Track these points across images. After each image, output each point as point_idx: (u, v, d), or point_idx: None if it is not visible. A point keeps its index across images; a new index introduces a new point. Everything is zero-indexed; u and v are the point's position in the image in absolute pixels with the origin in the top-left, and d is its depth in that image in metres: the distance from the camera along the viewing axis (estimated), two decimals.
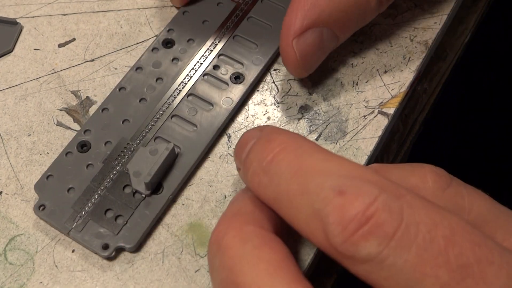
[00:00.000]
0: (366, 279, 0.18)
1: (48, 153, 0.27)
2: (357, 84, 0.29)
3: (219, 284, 0.19)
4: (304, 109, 0.29)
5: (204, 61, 0.29)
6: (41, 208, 0.25)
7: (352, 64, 0.30)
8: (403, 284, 0.17)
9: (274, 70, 0.30)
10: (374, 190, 0.17)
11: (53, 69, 0.30)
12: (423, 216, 0.17)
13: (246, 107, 0.29)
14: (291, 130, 0.28)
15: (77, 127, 0.28)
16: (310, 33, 0.25)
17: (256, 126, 0.28)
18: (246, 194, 0.22)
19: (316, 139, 0.28)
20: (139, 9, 0.32)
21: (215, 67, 0.29)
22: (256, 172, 0.20)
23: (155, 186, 0.26)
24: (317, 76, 0.29)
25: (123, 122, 0.27)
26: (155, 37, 0.30)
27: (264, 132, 0.21)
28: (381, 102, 0.29)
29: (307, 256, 0.25)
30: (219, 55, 0.29)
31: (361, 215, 0.17)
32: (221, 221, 0.20)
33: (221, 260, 0.19)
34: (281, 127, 0.28)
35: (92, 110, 0.28)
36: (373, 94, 0.29)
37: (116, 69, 0.30)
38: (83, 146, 0.27)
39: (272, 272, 0.18)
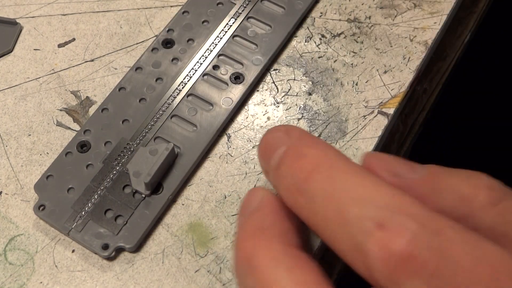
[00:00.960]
0: None
1: (48, 153, 0.27)
2: (357, 84, 0.29)
3: None
4: (304, 109, 0.29)
5: (204, 61, 0.29)
6: (41, 208, 0.25)
7: (352, 64, 0.30)
8: None
9: (274, 70, 0.30)
10: (415, 226, 0.17)
11: (53, 69, 0.30)
12: (464, 252, 0.17)
13: (246, 107, 0.29)
14: None
15: (77, 127, 0.28)
16: None
17: (256, 124, 0.28)
18: (264, 201, 0.21)
19: None
20: (139, 9, 0.32)
21: (215, 67, 0.29)
22: (290, 190, 0.20)
23: (155, 186, 0.26)
24: (317, 76, 0.29)
25: (123, 122, 0.27)
26: (155, 37, 0.30)
27: (293, 140, 0.21)
28: (381, 102, 0.29)
29: None
30: (219, 55, 0.29)
31: (402, 252, 0.17)
32: (244, 236, 0.20)
33: (255, 282, 0.19)
34: None
35: (92, 110, 0.28)
36: (373, 94, 0.29)
37: (116, 69, 0.30)
38: (83, 146, 0.27)
39: None
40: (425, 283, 0.17)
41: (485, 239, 0.18)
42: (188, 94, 0.28)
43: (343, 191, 0.19)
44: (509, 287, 0.17)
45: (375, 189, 0.19)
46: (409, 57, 0.30)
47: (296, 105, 0.29)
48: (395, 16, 0.31)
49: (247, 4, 0.31)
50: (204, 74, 0.29)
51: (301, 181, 0.20)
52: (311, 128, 0.28)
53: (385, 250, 0.17)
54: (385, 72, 0.30)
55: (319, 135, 0.28)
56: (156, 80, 0.29)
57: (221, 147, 0.28)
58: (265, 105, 0.29)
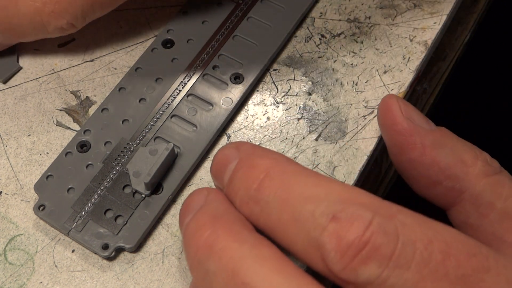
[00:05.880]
0: None
1: (48, 153, 0.27)
2: (356, 84, 0.29)
3: (223, 286, 0.19)
4: (303, 109, 0.29)
5: (204, 61, 0.29)
6: (41, 208, 0.25)
7: (352, 64, 0.30)
8: None
9: (274, 70, 0.30)
10: (368, 214, 0.18)
11: (53, 69, 0.30)
12: (418, 233, 0.18)
13: (245, 107, 0.29)
14: (290, 130, 0.28)
15: (77, 127, 0.28)
16: None
17: (256, 124, 0.28)
18: (212, 196, 0.21)
19: (316, 139, 0.28)
20: (139, 9, 0.32)
21: (215, 67, 0.29)
22: (244, 201, 0.20)
23: (155, 186, 0.26)
24: (317, 76, 0.29)
25: (123, 122, 0.27)
26: (155, 37, 0.30)
27: (243, 153, 0.21)
28: None
29: None
30: (219, 55, 0.29)
31: (357, 240, 0.17)
32: (199, 226, 0.19)
33: (218, 263, 0.18)
34: (280, 127, 0.28)
35: (92, 110, 0.29)
36: (373, 94, 0.29)
37: (115, 69, 0.30)
38: (83, 146, 0.27)
39: (279, 269, 0.18)
40: (381, 266, 0.17)
41: (433, 220, 0.18)
42: (188, 94, 0.28)
43: (296, 193, 0.19)
44: (462, 259, 0.17)
45: (327, 187, 0.19)
46: (409, 57, 0.30)
47: (296, 105, 0.29)
48: (395, 16, 0.31)
49: (248, 4, 0.31)
50: (204, 74, 0.29)
51: (254, 190, 0.19)
52: (310, 128, 0.28)
53: (340, 240, 0.17)
54: (385, 72, 0.30)
55: (319, 135, 0.28)
56: (156, 80, 0.29)
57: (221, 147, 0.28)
58: (265, 105, 0.29)
